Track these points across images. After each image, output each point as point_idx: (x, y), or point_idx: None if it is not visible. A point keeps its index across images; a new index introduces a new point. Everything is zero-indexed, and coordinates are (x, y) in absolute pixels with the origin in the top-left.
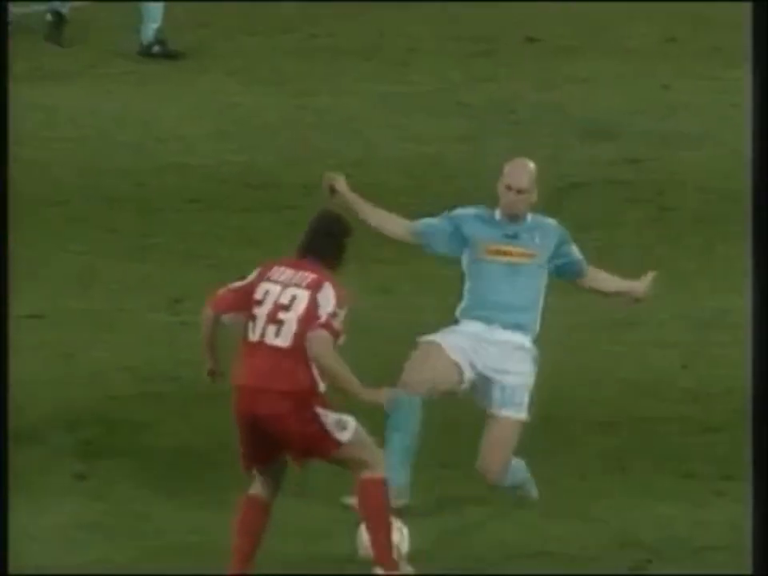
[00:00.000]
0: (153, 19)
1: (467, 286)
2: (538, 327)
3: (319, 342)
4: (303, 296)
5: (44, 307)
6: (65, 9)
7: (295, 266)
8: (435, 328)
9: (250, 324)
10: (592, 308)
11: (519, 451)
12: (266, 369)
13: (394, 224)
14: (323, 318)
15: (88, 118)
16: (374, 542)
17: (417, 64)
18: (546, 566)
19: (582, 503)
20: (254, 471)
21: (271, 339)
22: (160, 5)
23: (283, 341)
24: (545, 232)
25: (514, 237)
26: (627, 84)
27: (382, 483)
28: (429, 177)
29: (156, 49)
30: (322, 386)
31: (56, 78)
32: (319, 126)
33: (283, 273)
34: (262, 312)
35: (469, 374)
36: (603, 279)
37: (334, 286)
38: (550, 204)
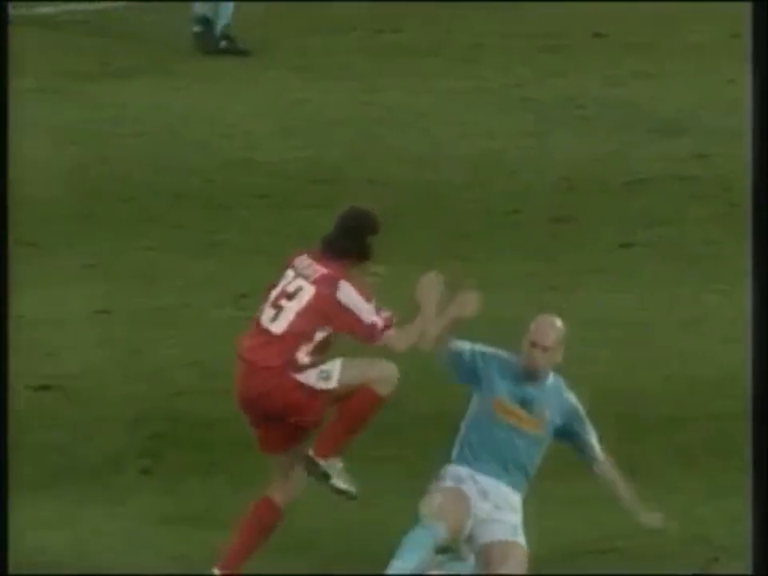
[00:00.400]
0: (223, 16)
1: (466, 432)
2: (526, 488)
3: (392, 344)
4: (308, 290)
5: (111, 303)
6: (210, 12)
7: (314, 258)
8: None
9: (264, 303)
10: (661, 305)
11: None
12: (255, 348)
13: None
14: (372, 322)
15: (155, 115)
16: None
17: (483, 60)
18: (613, 563)
19: (650, 499)
20: (272, 463)
21: (267, 323)
22: (231, 3)
23: (277, 327)
24: (557, 407)
25: (528, 403)
26: (693, 79)
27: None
28: (494, 173)
29: (223, 44)
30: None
31: (124, 75)
32: (385, 122)
33: (302, 262)
34: (272, 295)
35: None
36: (612, 482)
37: (353, 282)
38: (617, 200)
